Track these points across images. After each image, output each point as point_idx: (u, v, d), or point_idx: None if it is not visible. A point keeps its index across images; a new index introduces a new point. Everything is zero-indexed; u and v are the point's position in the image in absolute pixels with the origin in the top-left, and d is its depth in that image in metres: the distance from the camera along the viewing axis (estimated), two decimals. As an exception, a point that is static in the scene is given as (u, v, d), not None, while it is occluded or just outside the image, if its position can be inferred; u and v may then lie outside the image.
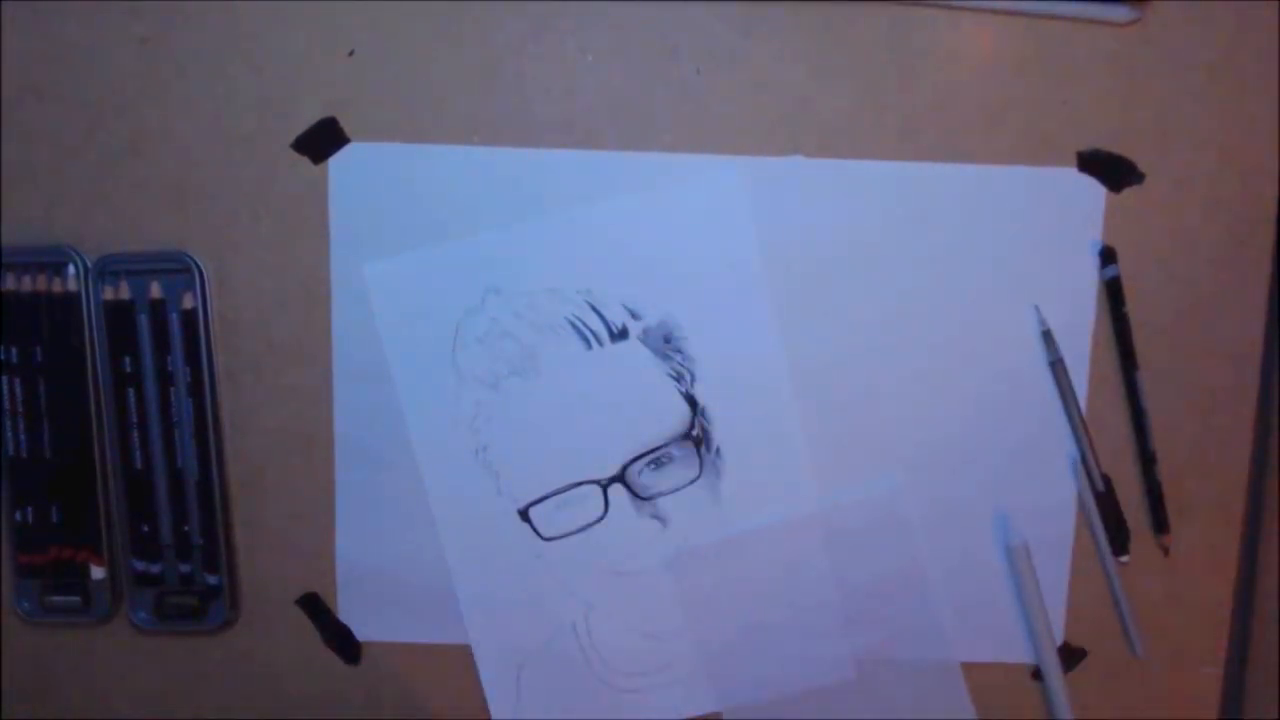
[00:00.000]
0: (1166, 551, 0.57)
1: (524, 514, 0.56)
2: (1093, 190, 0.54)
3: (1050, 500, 0.56)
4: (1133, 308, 0.55)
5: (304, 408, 0.56)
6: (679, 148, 0.54)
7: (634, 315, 0.55)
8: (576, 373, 0.55)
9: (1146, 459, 0.56)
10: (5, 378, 0.55)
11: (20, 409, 0.55)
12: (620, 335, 0.55)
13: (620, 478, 0.55)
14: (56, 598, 0.57)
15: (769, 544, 0.56)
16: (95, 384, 0.55)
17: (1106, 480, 0.56)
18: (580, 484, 0.55)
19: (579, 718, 0.58)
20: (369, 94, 0.54)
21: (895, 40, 0.53)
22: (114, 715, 0.59)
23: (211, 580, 0.56)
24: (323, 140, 0.54)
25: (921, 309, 0.55)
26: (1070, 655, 0.57)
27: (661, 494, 0.56)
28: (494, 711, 0.58)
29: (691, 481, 0.56)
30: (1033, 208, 0.54)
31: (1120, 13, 0.53)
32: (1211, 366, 0.55)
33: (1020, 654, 0.57)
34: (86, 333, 0.55)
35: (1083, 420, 0.55)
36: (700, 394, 0.55)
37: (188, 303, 0.54)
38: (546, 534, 0.56)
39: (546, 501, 0.56)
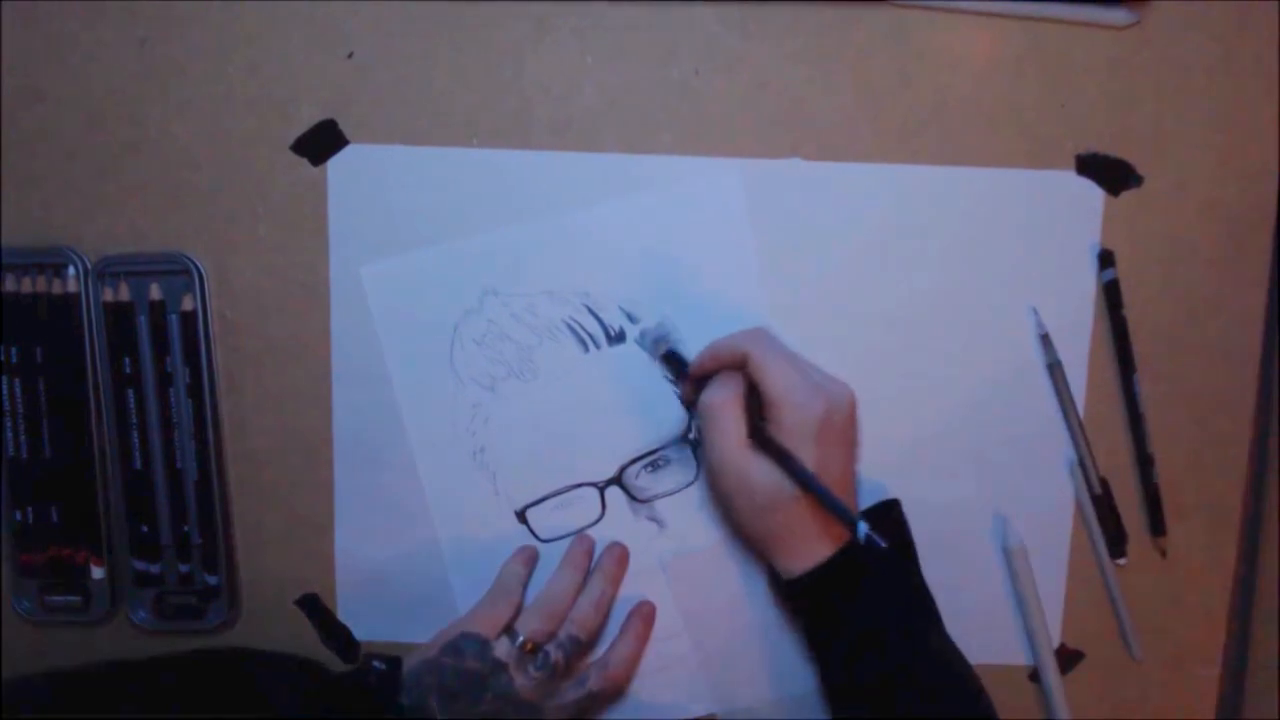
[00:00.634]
0: (1164, 553, 0.57)
1: (521, 515, 0.56)
2: (1091, 193, 0.54)
3: (1048, 502, 0.56)
4: (1131, 311, 0.55)
5: (303, 408, 0.56)
6: (678, 149, 0.54)
7: (631, 318, 0.55)
8: (574, 375, 0.55)
9: (1144, 461, 0.56)
10: (5, 378, 0.55)
11: (20, 409, 0.55)
12: (618, 338, 0.55)
13: (617, 480, 0.55)
14: (56, 598, 0.57)
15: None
16: (95, 384, 0.55)
17: (1104, 482, 0.56)
18: (577, 486, 0.56)
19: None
20: (368, 96, 0.54)
21: (895, 42, 0.53)
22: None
23: (211, 580, 0.57)
24: (322, 142, 0.54)
25: (920, 312, 0.55)
26: (1068, 657, 0.57)
27: (658, 496, 0.56)
28: (492, 711, 0.58)
29: (689, 484, 0.56)
30: (1031, 211, 0.54)
31: (1119, 15, 0.53)
32: (1209, 369, 0.55)
33: (1018, 655, 0.57)
34: (86, 334, 0.55)
35: (1081, 422, 0.55)
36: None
37: (187, 304, 0.55)
38: (544, 535, 0.56)
39: (544, 503, 0.56)
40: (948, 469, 0.56)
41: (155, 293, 0.55)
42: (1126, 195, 0.54)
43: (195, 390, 0.55)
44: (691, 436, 0.55)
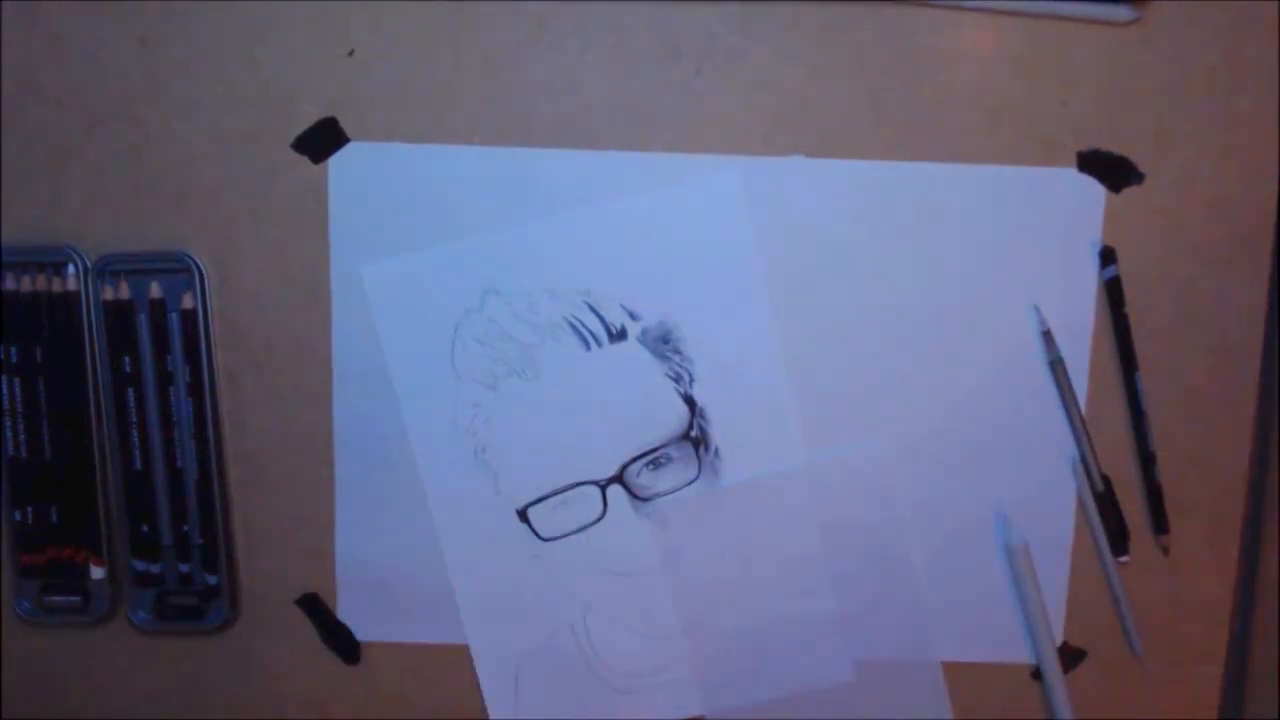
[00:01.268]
0: (1166, 551, 0.57)
1: (523, 514, 0.56)
2: (1092, 190, 0.54)
3: (1050, 500, 0.56)
4: (1132, 308, 0.55)
5: (304, 408, 0.56)
6: (679, 148, 0.54)
7: (633, 316, 0.55)
8: (575, 373, 0.55)
9: (1146, 459, 0.56)
10: (5, 378, 0.55)
11: (20, 409, 0.55)
12: (619, 336, 0.55)
13: (619, 478, 0.55)
14: (56, 598, 0.57)
15: (767, 545, 0.56)
16: (95, 384, 0.55)
17: (1106, 480, 0.56)
18: (579, 484, 0.55)
19: (577, 718, 0.58)
20: (369, 94, 0.54)
21: (895, 40, 0.53)
22: (114, 715, 0.59)
23: (211, 580, 0.56)
24: (322, 140, 0.54)
25: (921, 309, 0.55)
26: (1070, 655, 0.57)
27: (660, 495, 0.56)
28: (492, 712, 0.58)
29: (690, 482, 0.56)
30: (1032, 208, 0.54)
31: (1120, 13, 0.53)
32: (1211, 367, 0.55)
33: (1020, 654, 0.57)
34: (86, 333, 0.55)
35: (1082, 420, 0.55)
36: (699, 395, 0.55)
37: (187, 303, 0.55)
38: (545, 534, 0.56)
39: (545, 502, 0.56)
40: (949, 467, 0.56)
41: (155, 291, 0.55)
42: (1128, 192, 0.54)
43: (195, 389, 0.55)
44: (693, 434, 0.55)
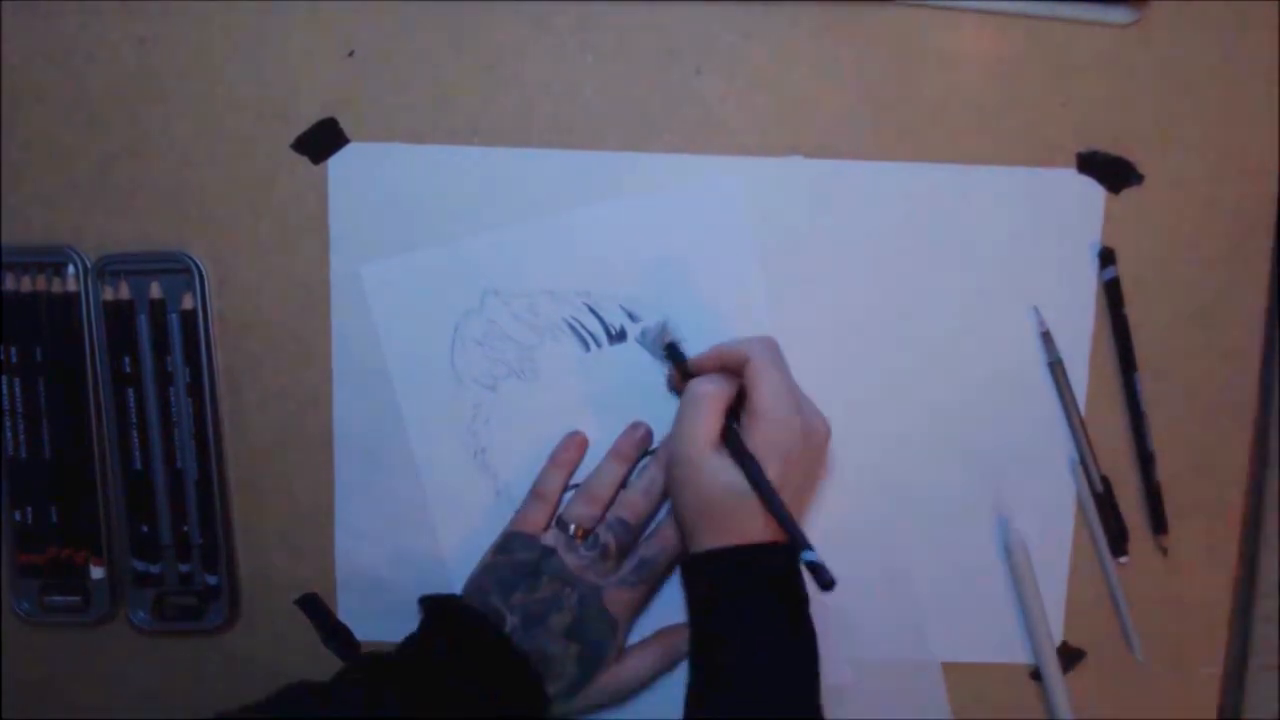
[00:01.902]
0: (1165, 552, 0.57)
1: (523, 514, 0.56)
2: (1092, 191, 0.54)
3: (1049, 501, 0.56)
4: (1132, 309, 0.55)
5: (304, 408, 0.56)
6: (679, 148, 0.54)
7: (632, 317, 0.55)
8: (575, 374, 0.55)
9: (1145, 460, 0.56)
10: (5, 378, 0.55)
11: (20, 409, 0.55)
12: (618, 337, 0.55)
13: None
14: (56, 598, 0.57)
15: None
16: (95, 384, 0.55)
17: (1105, 481, 0.56)
18: (578, 485, 0.55)
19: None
20: (369, 94, 0.54)
21: (895, 41, 0.53)
22: (114, 715, 0.59)
23: (211, 580, 0.56)
24: (322, 140, 0.54)
25: (921, 310, 0.55)
26: (1069, 655, 0.57)
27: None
28: (493, 711, 0.58)
29: (690, 483, 0.56)
30: (1032, 209, 0.54)
31: (1120, 14, 0.53)
32: (1210, 367, 0.55)
33: (1019, 654, 0.57)
34: (86, 333, 0.55)
35: (1082, 421, 0.55)
36: (699, 395, 0.55)
37: (187, 303, 0.55)
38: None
39: (545, 502, 0.56)
40: (948, 467, 0.56)
41: (155, 291, 0.55)
42: (1127, 193, 0.54)
43: (195, 389, 0.55)
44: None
